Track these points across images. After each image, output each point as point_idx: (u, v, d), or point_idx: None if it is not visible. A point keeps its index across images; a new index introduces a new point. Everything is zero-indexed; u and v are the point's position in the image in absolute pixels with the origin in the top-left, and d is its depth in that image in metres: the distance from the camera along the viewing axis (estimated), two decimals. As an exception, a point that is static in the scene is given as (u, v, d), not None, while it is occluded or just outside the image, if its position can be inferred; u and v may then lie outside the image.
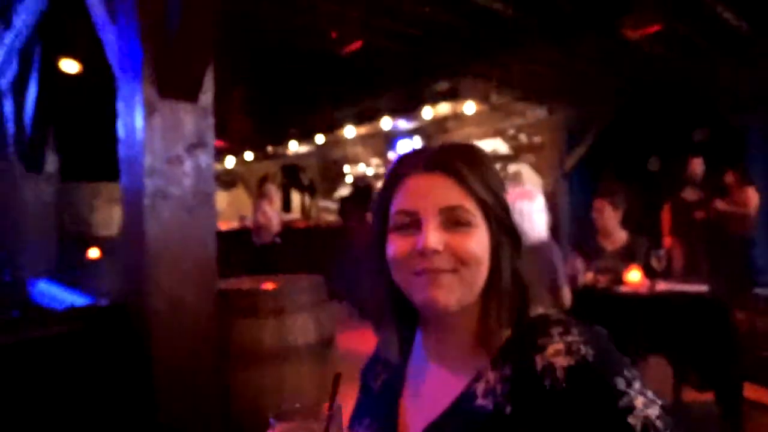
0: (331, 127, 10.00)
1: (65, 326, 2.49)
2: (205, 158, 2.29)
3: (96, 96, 5.99)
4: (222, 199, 12.61)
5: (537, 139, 7.98)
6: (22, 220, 4.59)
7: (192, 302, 2.23)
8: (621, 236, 3.11)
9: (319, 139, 10.87)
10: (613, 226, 3.09)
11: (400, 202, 0.77)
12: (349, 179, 12.59)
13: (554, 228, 6.73)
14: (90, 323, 2.50)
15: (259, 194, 7.20)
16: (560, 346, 0.69)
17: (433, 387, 0.80)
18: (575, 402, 0.65)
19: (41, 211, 4.73)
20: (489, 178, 0.77)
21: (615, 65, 5.77)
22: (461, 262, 0.73)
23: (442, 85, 6.71)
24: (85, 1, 2.74)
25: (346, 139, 10.44)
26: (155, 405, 2.19)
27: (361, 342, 2.60)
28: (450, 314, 0.75)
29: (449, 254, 0.73)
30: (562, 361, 0.68)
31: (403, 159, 0.80)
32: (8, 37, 4.71)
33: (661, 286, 2.74)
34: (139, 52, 2.14)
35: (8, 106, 4.86)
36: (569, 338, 0.70)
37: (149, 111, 2.15)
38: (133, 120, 2.20)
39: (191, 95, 2.24)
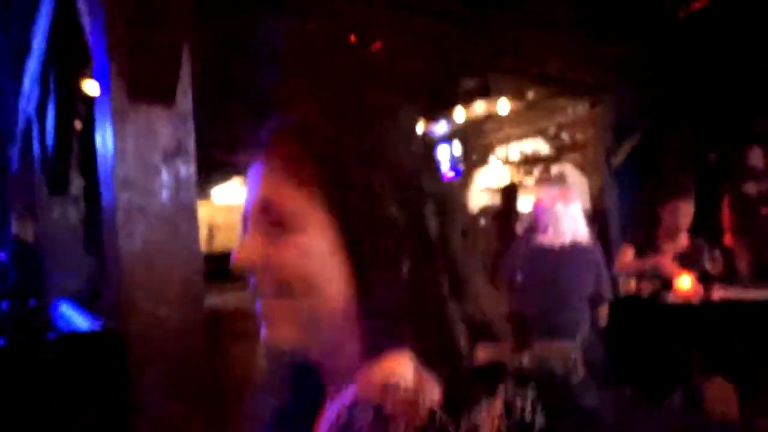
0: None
1: (54, 353, 2.38)
2: (185, 167, 2.09)
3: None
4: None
5: (580, 137, 7.52)
6: (50, 242, 4.59)
7: (176, 326, 2.03)
8: (683, 239, 2.74)
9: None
10: (683, 227, 2.73)
11: None
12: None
13: (603, 228, 6.20)
14: (81, 350, 2.37)
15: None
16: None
17: None
18: None
19: (68, 233, 4.73)
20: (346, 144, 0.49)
21: (661, 49, 5.29)
22: (282, 282, 0.51)
23: (470, 83, 6.37)
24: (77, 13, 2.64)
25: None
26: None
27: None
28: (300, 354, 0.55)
29: (269, 272, 0.51)
30: None
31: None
32: (31, 63, 4.77)
33: (718, 293, 2.32)
34: (106, 58, 1.98)
35: (35, 131, 4.92)
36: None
37: (120, 118, 1.97)
38: (106, 130, 2.03)
39: (166, 98, 2.05)
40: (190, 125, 2.11)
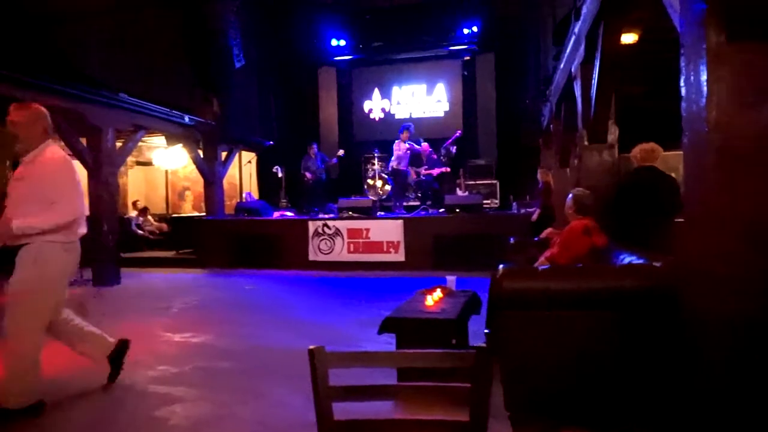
0: None
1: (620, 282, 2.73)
2: (782, 105, 1.95)
3: (650, 64, 6.05)
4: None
5: None
6: (587, 183, 5.17)
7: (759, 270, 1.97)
8: None
9: None
10: None
11: None
12: None
13: None
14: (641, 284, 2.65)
15: None
16: None
17: None
18: None
19: (605, 175, 5.21)
20: None
21: None
22: None
23: None
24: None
25: None
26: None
27: None
28: None
29: None
30: None
31: None
32: (577, 27, 5.35)
33: None
34: (699, 4, 2.03)
35: (577, 87, 5.55)
36: None
37: (714, 61, 2.00)
38: (697, 74, 2.10)
39: (766, 36, 1.94)
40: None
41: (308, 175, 11.36)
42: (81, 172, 3.97)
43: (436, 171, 10.92)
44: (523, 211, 9.37)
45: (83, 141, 8.40)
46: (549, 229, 5.40)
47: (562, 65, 6.69)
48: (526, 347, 2.89)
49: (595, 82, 4.82)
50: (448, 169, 11.09)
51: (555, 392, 2.81)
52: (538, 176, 8.46)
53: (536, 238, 5.70)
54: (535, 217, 7.99)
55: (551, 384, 2.82)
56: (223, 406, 3.35)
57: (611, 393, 2.75)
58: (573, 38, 5.60)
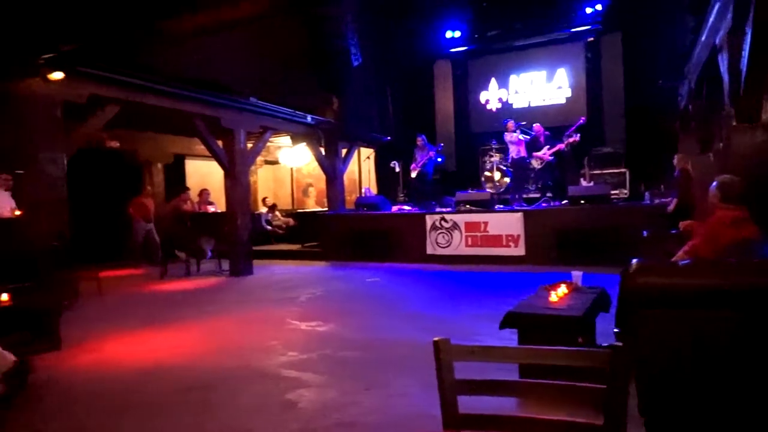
0: None
1: None
2: None
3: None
4: None
5: None
6: (736, 169, 4.61)
7: None
8: None
9: None
10: None
11: None
12: None
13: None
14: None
15: None
16: None
17: None
18: None
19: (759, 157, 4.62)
20: None
21: None
22: None
23: None
24: None
25: None
26: None
27: None
28: None
29: None
30: None
31: None
32: (722, -8, 4.79)
33: None
34: None
35: (722, 61, 4.98)
36: None
37: None
38: None
39: None
40: None
41: (412, 165, 11.40)
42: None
43: (560, 145, 10.33)
44: (657, 201, 8.62)
45: (219, 143, 9.17)
46: (688, 221, 4.89)
47: (703, 38, 6.03)
48: (663, 349, 2.64)
49: (746, 53, 4.28)
50: (577, 138, 10.36)
51: (696, 400, 2.55)
52: (675, 163, 7.73)
53: (674, 231, 5.20)
54: (671, 207, 7.31)
55: (692, 390, 2.56)
56: (347, 393, 3.48)
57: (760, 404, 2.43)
58: (717, 5, 5.01)
